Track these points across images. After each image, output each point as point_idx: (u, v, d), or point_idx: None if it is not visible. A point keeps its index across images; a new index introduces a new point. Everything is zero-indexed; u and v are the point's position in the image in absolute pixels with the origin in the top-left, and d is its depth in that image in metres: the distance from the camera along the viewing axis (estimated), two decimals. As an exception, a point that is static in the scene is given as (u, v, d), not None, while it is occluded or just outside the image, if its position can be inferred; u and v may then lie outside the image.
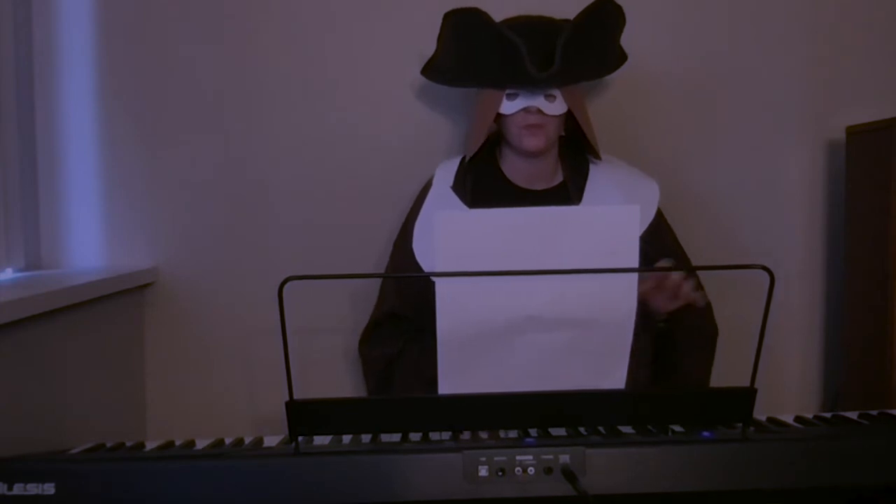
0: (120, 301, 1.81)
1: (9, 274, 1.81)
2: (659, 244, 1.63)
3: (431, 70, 1.74)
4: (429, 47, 1.73)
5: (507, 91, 1.59)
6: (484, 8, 1.61)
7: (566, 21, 1.60)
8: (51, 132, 1.90)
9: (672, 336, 1.63)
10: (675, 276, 1.45)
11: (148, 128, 1.92)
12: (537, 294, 1.22)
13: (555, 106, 1.58)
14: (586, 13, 1.56)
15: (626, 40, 1.70)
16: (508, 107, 1.59)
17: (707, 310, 1.71)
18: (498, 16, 1.62)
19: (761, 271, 1.10)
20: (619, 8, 1.61)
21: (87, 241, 1.93)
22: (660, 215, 1.69)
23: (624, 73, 1.76)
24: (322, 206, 1.94)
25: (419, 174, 1.76)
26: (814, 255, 2.00)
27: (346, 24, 1.92)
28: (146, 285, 1.92)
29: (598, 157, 1.67)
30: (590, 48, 1.60)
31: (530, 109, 1.58)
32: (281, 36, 1.92)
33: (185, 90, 1.91)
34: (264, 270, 1.91)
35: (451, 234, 1.24)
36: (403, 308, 1.68)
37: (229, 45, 1.91)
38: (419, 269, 1.62)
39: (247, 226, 1.94)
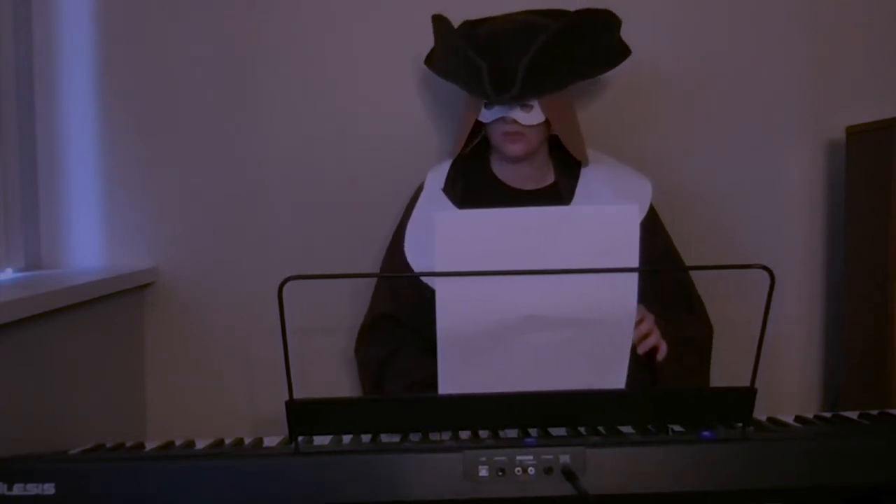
0: (120, 301, 1.81)
1: (9, 274, 1.81)
2: (652, 243, 1.63)
3: (431, 62, 1.77)
4: (428, 48, 1.74)
5: (485, 100, 1.59)
6: (478, 8, 1.61)
7: (560, 12, 1.61)
8: (51, 132, 1.90)
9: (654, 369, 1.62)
10: (643, 328, 1.46)
11: (148, 128, 1.92)
12: (537, 294, 1.22)
13: (531, 116, 1.58)
14: (570, 20, 1.57)
15: (626, 40, 1.70)
16: (486, 115, 1.60)
17: (700, 311, 1.71)
18: (492, 11, 1.63)
19: (761, 271, 1.09)
20: (606, 13, 1.62)
21: (87, 241, 1.93)
22: (653, 214, 1.69)
23: (623, 72, 1.76)
24: (322, 206, 1.94)
25: (419, 174, 1.76)
26: (814, 255, 2.00)
27: (346, 24, 1.92)
28: (146, 285, 1.92)
29: (585, 162, 1.67)
30: (570, 52, 1.59)
31: (506, 119, 1.58)
32: (281, 36, 1.92)
33: (185, 90, 1.91)
34: (264, 270, 1.91)
35: (451, 235, 1.24)
36: (396, 310, 1.68)
37: (229, 44, 1.91)
38: (412, 271, 1.62)
39: (247, 226, 1.94)
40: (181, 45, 1.91)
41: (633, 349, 1.32)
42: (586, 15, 1.60)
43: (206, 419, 1.93)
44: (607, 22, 1.64)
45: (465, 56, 1.57)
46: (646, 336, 1.47)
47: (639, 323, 1.45)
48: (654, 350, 1.49)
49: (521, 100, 1.55)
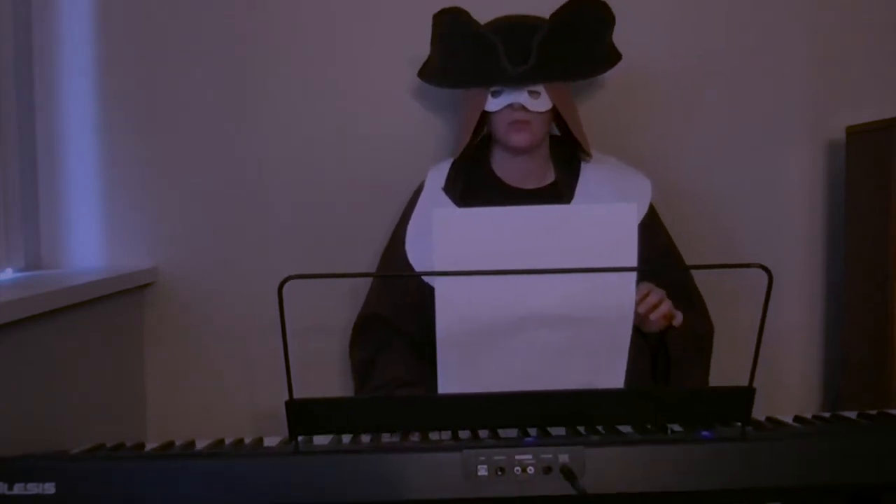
0: (120, 301, 1.81)
1: (9, 274, 1.81)
2: (652, 242, 1.63)
3: (426, 73, 1.75)
4: (428, 48, 1.74)
5: (492, 89, 1.60)
6: (476, 9, 1.61)
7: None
8: (51, 132, 1.90)
9: (664, 342, 1.62)
10: (652, 299, 1.44)
11: (148, 128, 1.92)
12: (535, 292, 1.22)
13: (539, 102, 1.59)
14: (564, 10, 1.57)
15: (624, 39, 1.70)
16: (493, 104, 1.60)
17: (701, 308, 1.71)
18: (488, 16, 1.63)
19: (760, 271, 1.09)
20: (603, 5, 1.62)
21: (87, 241, 1.93)
22: (653, 213, 1.69)
23: (621, 72, 1.76)
24: (322, 206, 1.94)
25: (419, 174, 1.76)
26: (814, 255, 2.00)
27: (346, 24, 1.92)
28: (146, 285, 1.92)
29: (588, 153, 1.67)
30: (570, 46, 1.60)
31: (514, 106, 1.59)
32: (281, 36, 1.92)
33: (185, 90, 1.91)
34: (264, 270, 1.91)
35: (449, 233, 1.24)
36: (386, 310, 1.68)
37: (229, 44, 1.91)
38: (412, 270, 1.62)
39: (247, 226, 1.94)
40: (181, 45, 1.91)
41: (635, 346, 1.32)
42: (583, 2, 1.60)
43: (206, 419, 1.93)
44: (603, 17, 1.64)
45: (478, 38, 1.57)
46: (656, 307, 1.45)
47: (645, 296, 1.44)
48: (662, 346, 1.48)
49: (535, 77, 1.56)
